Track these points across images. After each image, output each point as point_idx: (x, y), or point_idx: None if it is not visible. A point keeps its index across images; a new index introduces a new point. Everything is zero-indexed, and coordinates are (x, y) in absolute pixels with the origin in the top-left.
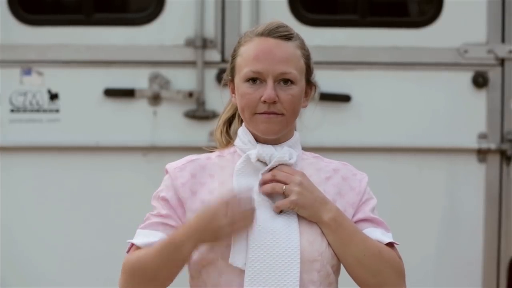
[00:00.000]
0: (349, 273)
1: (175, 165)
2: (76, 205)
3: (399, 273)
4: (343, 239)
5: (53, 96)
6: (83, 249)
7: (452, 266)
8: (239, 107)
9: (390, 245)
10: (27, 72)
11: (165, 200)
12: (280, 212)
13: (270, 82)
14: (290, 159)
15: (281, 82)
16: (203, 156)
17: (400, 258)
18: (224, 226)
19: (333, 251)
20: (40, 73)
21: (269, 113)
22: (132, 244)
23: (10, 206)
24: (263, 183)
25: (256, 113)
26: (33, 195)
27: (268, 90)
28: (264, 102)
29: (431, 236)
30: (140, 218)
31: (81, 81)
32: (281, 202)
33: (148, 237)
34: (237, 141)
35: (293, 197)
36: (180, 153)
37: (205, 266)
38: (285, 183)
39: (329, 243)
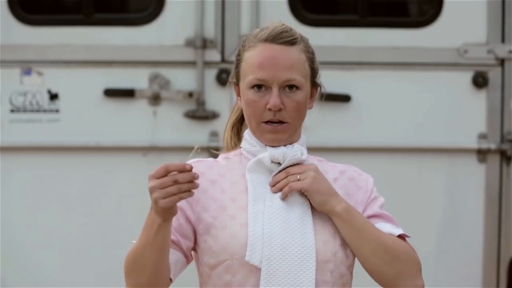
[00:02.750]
0: (364, 266)
1: None
2: (76, 205)
3: (416, 263)
4: (356, 229)
5: (53, 96)
6: (83, 249)
7: (452, 266)
8: (245, 114)
9: (402, 238)
10: (27, 72)
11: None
12: (290, 204)
13: (275, 90)
14: (302, 156)
15: (286, 88)
16: (209, 159)
17: (413, 250)
18: (154, 198)
19: (347, 246)
20: (40, 73)
21: (274, 122)
22: None
23: (10, 206)
24: (276, 182)
25: (262, 122)
26: (33, 195)
27: (273, 98)
28: (270, 109)
29: (431, 236)
30: (140, 218)
31: (81, 81)
32: (296, 183)
33: None
34: (244, 144)
35: (309, 180)
36: (180, 153)
37: (215, 268)
38: (300, 173)
39: (342, 242)
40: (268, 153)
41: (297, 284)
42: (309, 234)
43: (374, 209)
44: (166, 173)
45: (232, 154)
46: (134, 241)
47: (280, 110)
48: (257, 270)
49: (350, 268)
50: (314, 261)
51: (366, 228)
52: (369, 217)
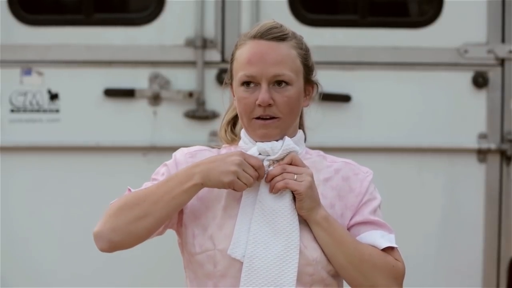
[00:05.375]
0: (340, 274)
1: (186, 150)
2: (76, 205)
3: (394, 277)
4: (334, 238)
5: (53, 96)
6: (83, 248)
7: (452, 266)
8: (238, 111)
9: (390, 247)
10: (27, 72)
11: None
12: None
13: (264, 86)
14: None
15: (276, 84)
16: (214, 149)
17: (398, 260)
18: (232, 171)
19: (325, 254)
20: (40, 73)
21: (265, 118)
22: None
23: (10, 206)
24: (272, 177)
25: (253, 118)
26: (33, 195)
27: (262, 94)
28: (259, 105)
29: (431, 236)
30: None
31: (81, 81)
32: (292, 183)
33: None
34: (240, 143)
35: (306, 183)
36: None
37: (199, 255)
38: (297, 174)
39: (321, 247)
40: (256, 147)
41: (277, 284)
42: (295, 235)
43: (364, 215)
44: (257, 167)
45: (233, 148)
46: (130, 188)
47: (270, 105)
48: (238, 262)
49: (331, 272)
50: (296, 262)
51: (344, 238)
52: (358, 223)
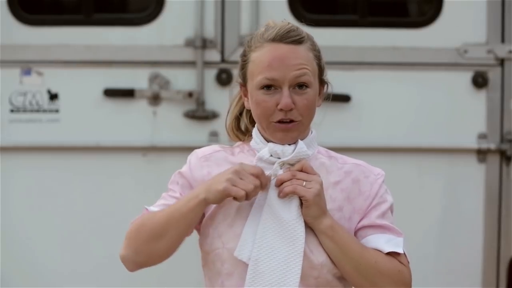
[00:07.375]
0: (348, 280)
1: (201, 154)
2: (76, 205)
3: (399, 283)
4: (339, 246)
5: (53, 96)
6: (82, 249)
7: (452, 266)
8: (254, 114)
9: (397, 253)
10: (27, 72)
11: (184, 186)
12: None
13: (285, 90)
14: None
15: (296, 87)
16: (227, 148)
17: (404, 265)
18: (226, 179)
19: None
20: (40, 73)
21: (285, 122)
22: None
23: (10, 206)
24: (281, 182)
25: (272, 122)
26: (33, 195)
27: (284, 98)
28: (281, 110)
29: (431, 236)
30: None
31: (81, 81)
32: (301, 189)
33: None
34: (252, 142)
35: (314, 191)
36: (180, 153)
37: (209, 254)
38: (306, 181)
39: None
40: (267, 148)
41: (280, 284)
42: (300, 241)
43: (371, 218)
44: (256, 175)
45: (246, 148)
46: (147, 207)
47: (291, 109)
48: (245, 263)
49: (336, 275)
50: (299, 268)
51: (349, 245)
52: (364, 227)
